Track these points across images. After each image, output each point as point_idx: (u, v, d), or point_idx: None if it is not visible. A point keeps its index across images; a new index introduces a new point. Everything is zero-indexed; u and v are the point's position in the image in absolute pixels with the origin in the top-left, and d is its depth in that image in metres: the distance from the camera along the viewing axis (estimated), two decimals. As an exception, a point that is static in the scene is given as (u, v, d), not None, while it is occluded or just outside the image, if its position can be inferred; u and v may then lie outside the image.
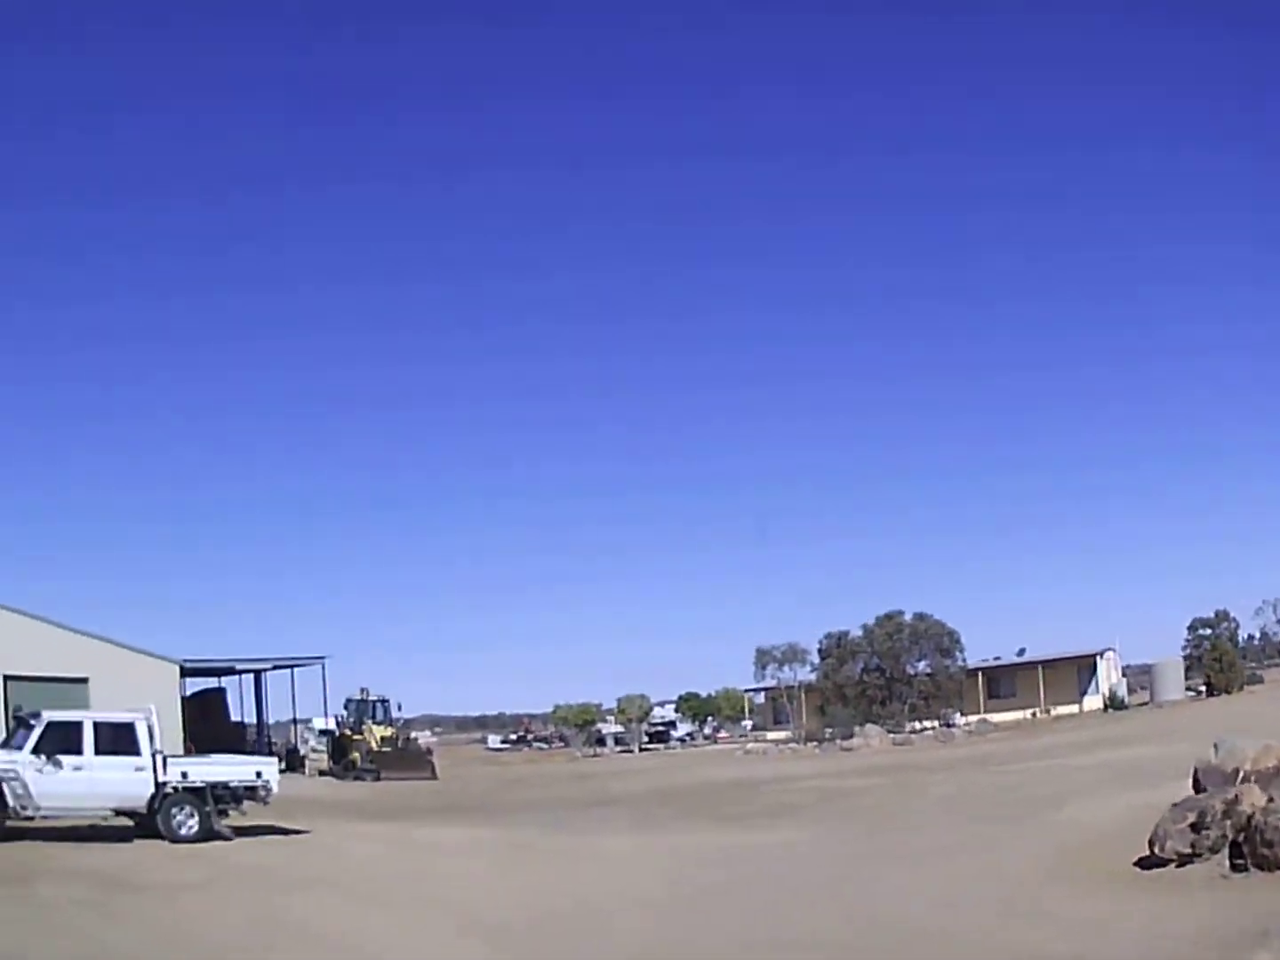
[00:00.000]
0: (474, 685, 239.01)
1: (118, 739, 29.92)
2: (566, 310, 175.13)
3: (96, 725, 29.88)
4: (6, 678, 50.92)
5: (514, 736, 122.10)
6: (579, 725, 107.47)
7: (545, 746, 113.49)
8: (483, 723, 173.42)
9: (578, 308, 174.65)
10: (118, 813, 30.20)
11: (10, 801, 28.01)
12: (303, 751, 73.57)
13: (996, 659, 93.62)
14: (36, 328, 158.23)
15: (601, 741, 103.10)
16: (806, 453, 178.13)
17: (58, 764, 28.59)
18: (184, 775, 30.36)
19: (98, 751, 29.33)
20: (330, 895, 24.02)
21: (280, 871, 26.46)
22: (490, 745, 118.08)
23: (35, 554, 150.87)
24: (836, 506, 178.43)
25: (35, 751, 28.54)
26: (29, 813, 28.36)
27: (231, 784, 31.33)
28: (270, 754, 59.53)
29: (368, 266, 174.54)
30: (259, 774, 31.93)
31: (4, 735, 32.57)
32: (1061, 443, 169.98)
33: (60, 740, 29.00)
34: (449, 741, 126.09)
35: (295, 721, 78.93)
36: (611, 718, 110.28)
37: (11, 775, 28.09)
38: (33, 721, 29.59)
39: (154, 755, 29.97)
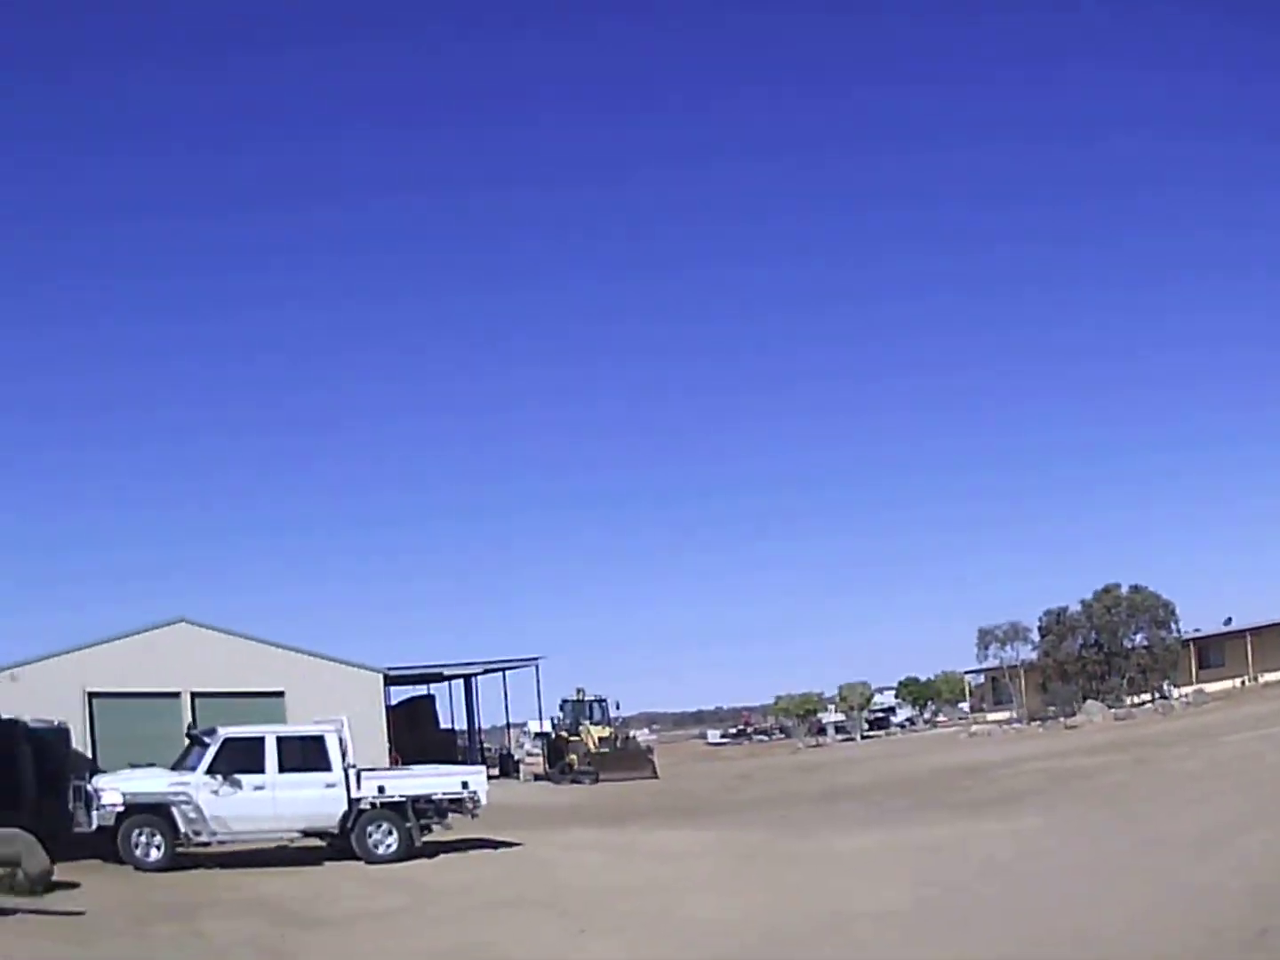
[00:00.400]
0: (690, 681, 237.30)
1: (306, 754, 27.56)
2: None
3: (281, 740, 27.52)
4: (195, 695, 48.95)
5: (734, 730, 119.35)
6: (800, 715, 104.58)
7: (766, 739, 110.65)
8: (700, 718, 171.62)
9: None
10: (306, 834, 27.69)
11: (182, 827, 25.73)
12: (517, 756, 71.04)
13: (1196, 630, 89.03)
14: (197, 340, 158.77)
15: (822, 731, 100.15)
16: (1017, 436, 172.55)
17: (236, 784, 26.26)
18: (381, 790, 27.83)
19: (282, 769, 26.97)
20: (541, 918, 20.84)
21: (487, 892, 23.46)
22: (710, 740, 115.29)
23: (230, 568, 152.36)
24: (1050, 483, 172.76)
25: (210, 772, 26.23)
26: (203, 838, 26.10)
27: (434, 797, 28.60)
28: (482, 761, 57.73)
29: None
30: (465, 784, 29.14)
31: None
32: (1247, 415, 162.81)
33: (239, 758, 26.67)
34: (667, 738, 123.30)
35: (509, 726, 76.23)
36: (832, 706, 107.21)
37: (183, 799, 25.73)
38: (207, 739, 27.22)
39: (346, 770, 27.48)
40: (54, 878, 21.53)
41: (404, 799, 27.86)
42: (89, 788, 25.79)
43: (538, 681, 64.45)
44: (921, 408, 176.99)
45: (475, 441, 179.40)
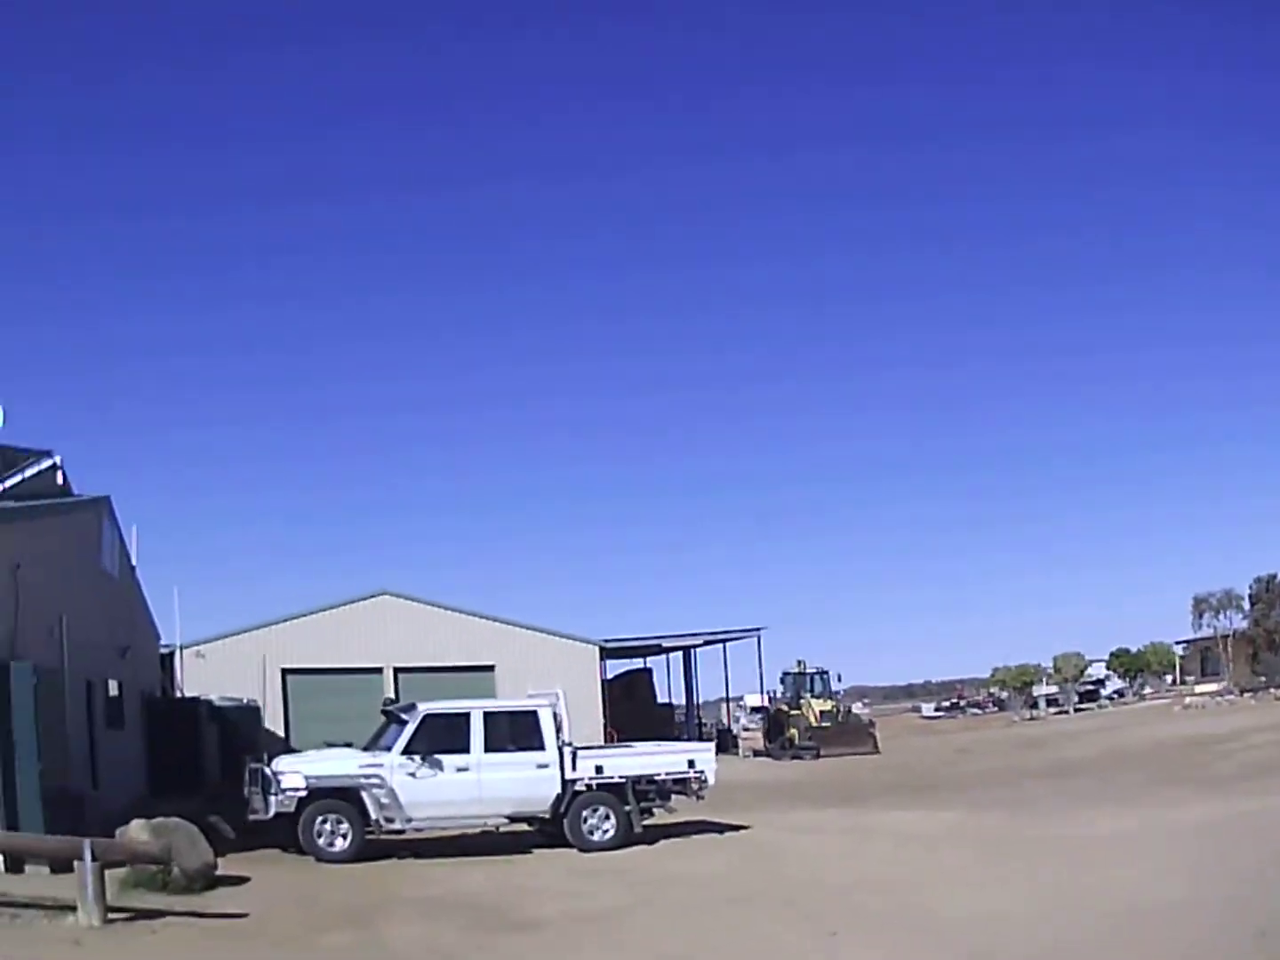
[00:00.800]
0: (897, 655, 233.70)
1: (515, 731, 23.89)
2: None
3: (488, 716, 23.81)
4: (397, 670, 46.06)
5: (947, 703, 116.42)
6: (1017, 687, 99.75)
7: (979, 712, 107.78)
8: (909, 691, 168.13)
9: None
10: (513, 819, 24.02)
11: (373, 813, 22.27)
12: (734, 731, 67.15)
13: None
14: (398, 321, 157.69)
15: (1034, 704, 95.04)
16: (1229, 411, 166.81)
17: (436, 765, 22.71)
18: (598, 770, 24.05)
19: (489, 748, 23.30)
20: (782, 918, 16.82)
21: (717, 885, 19.57)
22: (925, 713, 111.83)
23: (434, 543, 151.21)
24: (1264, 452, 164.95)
25: (407, 752, 22.68)
26: (397, 825, 22.59)
27: (657, 777, 24.74)
28: (700, 736, 53.90)
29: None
30: (691, 763, 25.16)
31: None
32: None
33: (440, 736, 23.09)
34: (879, 712, 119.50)
35: (728, 700, 71.98)
36: (1045, 678, 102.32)
37: (375, 782, 22.26)
38: (405, 716, 23.61)
39: (561, 749, 23.72)
40: (220, 872, 18.30)
41: (624, 780, 24.14)
42: (266, 770, 22.50)
43: (759, 653, 60.18)
44: (1140, 384, 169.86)
45: (695, 417, 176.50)
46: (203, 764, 34.55)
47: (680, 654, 64.20)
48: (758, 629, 59.16)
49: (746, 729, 74.68)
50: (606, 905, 17.84)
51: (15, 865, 17.19)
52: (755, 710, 77.99)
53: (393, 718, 24.36)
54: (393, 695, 36.59)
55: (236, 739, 35.97)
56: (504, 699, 30.94)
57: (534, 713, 24.04)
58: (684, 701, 65.23)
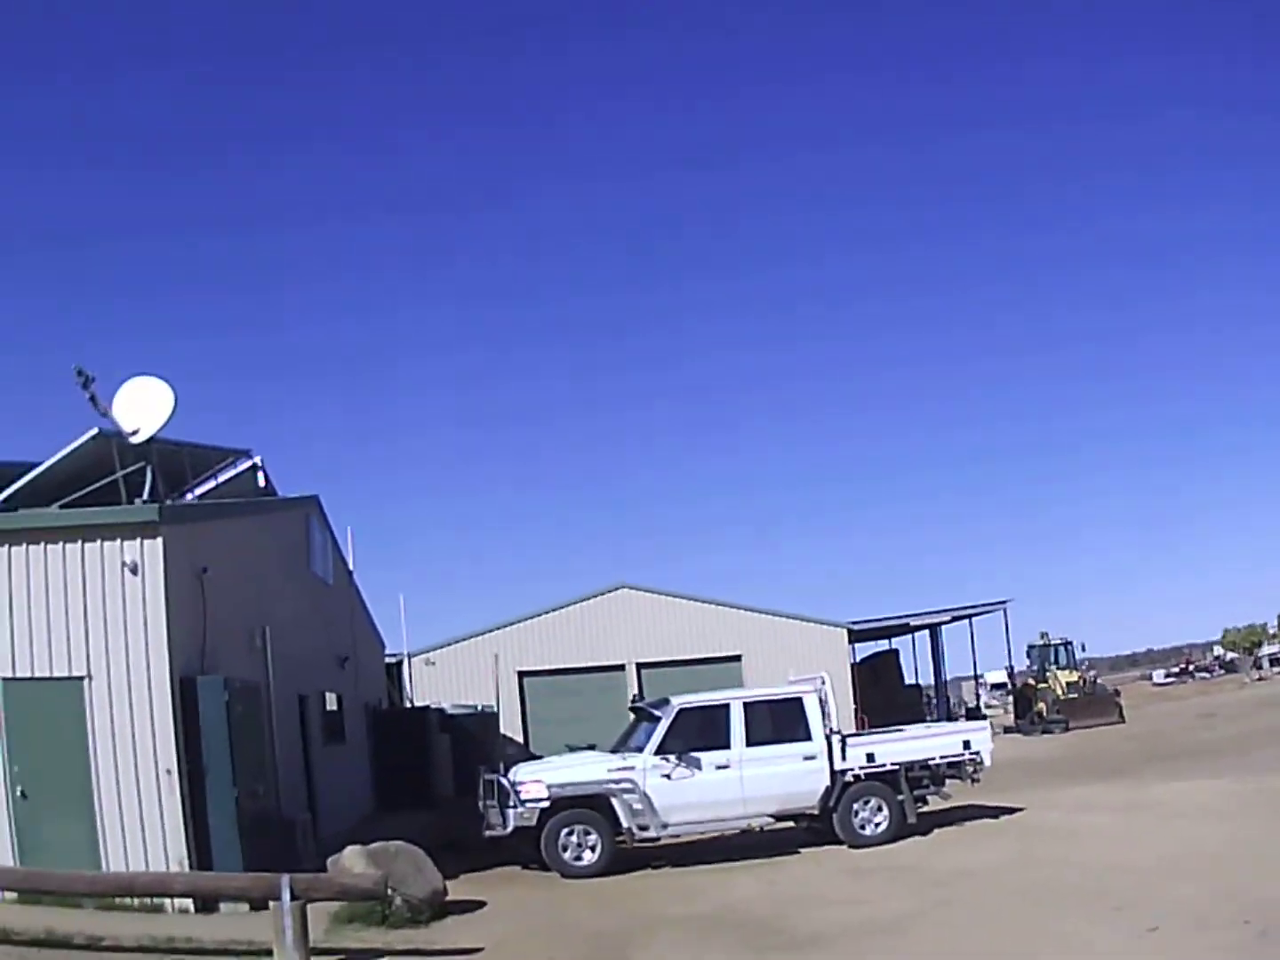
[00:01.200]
0: (1120, 625, 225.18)
1: (778, 722, 20.43)
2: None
3: (748, 707, 20.30)
4: (640, 666, 42.69)
5: (1176, 669, 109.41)
6: (1246, 648, 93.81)
7: (1208, 675, 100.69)
8: (1133, 660, 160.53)
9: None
10: (778, 817, 20.45)
11: (624, 821, 18.99)
12: (981, 708, 62.59)
13: None
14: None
15: (1259, 664, 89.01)
16: None
17: (693, 764, 19.35)
18: (870, 758, 20.48)
19: (750, 741, 19.85)
20: (1090, 912, 13.25)
21: (1010, 878, 15.95)
22: (1156, 680, 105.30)
23: (667, 536, 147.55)
24: None
25: (661, 751, 19.34)
26: (651, 833, 19.24)
27: (932, 762, 21.10)
28: (949, 716, 49.90)
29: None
30: (966, 744, 21.46)
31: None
32: None
33: (696, 733, 19.72)
34: (1110, 681, 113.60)
35: (976, 676, 66.51)
36: (1269, 638, 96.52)
37: (626, 786, 18.96)
38: (657, 712, 20.26)
39: (829, 737, 20.23)
40: (451, 897, 15.23)
41: (897, 767, 20.60)
42: (504, 781, 19.37)
43: (1006, 626, 53.60)
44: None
45: (906, 398, 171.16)
46: (434, 777, 30.87)
47: (925, 633, 59.49)
48: (1003, 602, 52.89)
49: (988, 706, 69.97)
50: (894, 911, 14.32)
51: (208, 904, 14.22)
52: (996, 686, 73.40)
53: (643, 715, 21.13)
54: (638, 692, 33.45)
55: (471, 748, 32.44)
56: (755, 688, 27.40)
57: (798, 700, 20.58)
58: (931, 681, 60.47)
